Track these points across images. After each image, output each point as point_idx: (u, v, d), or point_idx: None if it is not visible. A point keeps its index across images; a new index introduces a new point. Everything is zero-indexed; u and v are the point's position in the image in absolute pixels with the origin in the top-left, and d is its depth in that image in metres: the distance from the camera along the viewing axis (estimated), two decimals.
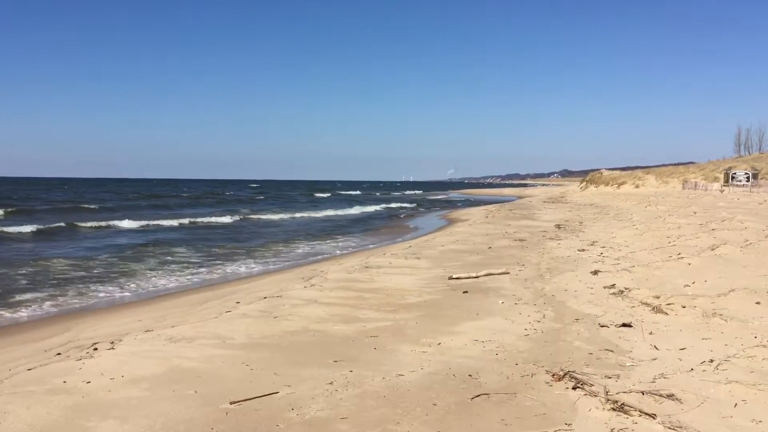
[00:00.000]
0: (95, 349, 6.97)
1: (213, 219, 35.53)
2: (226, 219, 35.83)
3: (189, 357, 6.42)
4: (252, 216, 38.93)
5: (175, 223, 32.61)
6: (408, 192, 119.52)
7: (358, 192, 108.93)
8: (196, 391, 5.37)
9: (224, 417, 4.81)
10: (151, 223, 31.96)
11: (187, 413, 4.89)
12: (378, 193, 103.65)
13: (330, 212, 45.08)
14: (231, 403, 5.06)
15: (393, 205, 55.83)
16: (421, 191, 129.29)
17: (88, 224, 29.93)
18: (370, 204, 57.26)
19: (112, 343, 7.17)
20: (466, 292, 9.95)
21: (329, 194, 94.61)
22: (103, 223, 30.65)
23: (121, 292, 12.74)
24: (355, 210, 48.48)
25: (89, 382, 5.63)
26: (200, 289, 13.11)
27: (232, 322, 8.06)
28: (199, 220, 34.81)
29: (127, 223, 30.93)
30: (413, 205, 57.35)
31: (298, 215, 41.15)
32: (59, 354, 7.10)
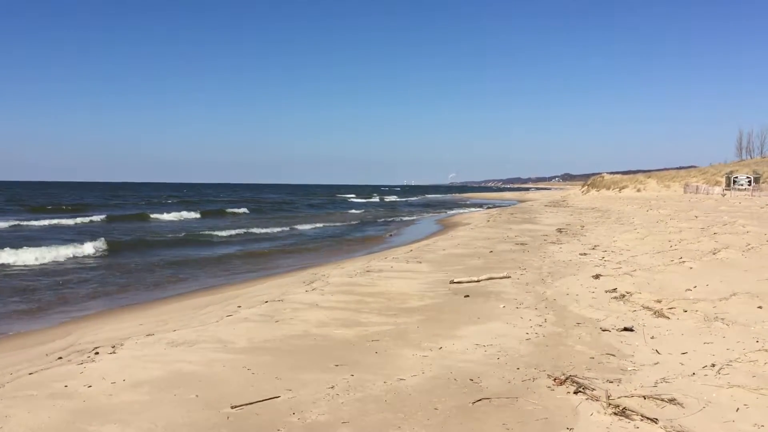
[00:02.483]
0: (96, 353, 6.97)
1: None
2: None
3: (190, 361, 6.41)
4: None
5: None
6: (428, 196, 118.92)
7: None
8: (197, 396, 5.36)
9: (225, 421, 4.81)
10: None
11: (188, 417, 4.89)
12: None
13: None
14: (232, 408, 5.06)
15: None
16: (448, 194, 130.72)
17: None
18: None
19: (114, 347, 7.17)
20: (468, 296, 9.94)
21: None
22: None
23: None
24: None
25: (90, 386, 5.63)
26: (202, 293, 13.11)
27: (233, 326, 8.05)
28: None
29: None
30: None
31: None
32: (60, 358, 7.10)
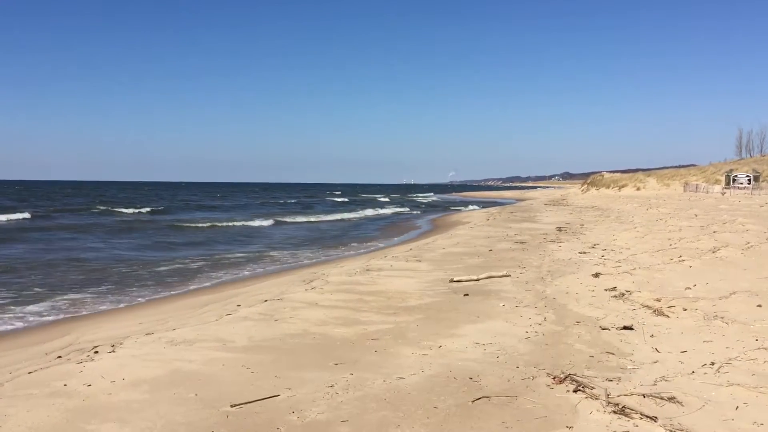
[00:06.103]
0: (96, 352, 6.97)
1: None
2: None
3: (189, 360, 6.41)
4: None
5: None
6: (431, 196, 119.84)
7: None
8: (196, 394, 5.36)
9: (225, 420, 4.81)
10: None
11: (187, 416, 4.89)
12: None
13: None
14: (231, 406, 5.06)
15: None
16: (445, 193, 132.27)
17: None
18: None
19: (113, 346, 7.17)
20: (467, 294, 9.93)
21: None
22: None
23: None
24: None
25: (90, 385, 5.62)
26: (201, 291, 13.12)
27: (232, 325, 8.05)
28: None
29: None
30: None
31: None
32: (60, 357, 7.10)
